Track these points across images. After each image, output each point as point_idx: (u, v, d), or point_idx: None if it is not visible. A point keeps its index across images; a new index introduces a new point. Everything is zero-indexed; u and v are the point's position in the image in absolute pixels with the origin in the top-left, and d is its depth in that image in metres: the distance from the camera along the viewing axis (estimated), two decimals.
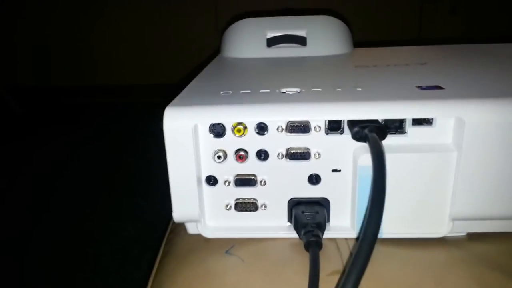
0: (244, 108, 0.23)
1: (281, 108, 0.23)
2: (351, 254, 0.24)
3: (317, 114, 0.23)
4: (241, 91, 0.26)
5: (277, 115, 0.23)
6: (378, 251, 0.24)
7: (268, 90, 0.26)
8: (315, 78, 0.30)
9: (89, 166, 1.32)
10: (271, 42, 0.41)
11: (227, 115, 0.23)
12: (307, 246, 0.22)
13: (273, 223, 0.25)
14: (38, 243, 0.87)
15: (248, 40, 0.42)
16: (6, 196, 1.07)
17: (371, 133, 0.21)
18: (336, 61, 0.37)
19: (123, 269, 0.77)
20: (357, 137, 0.22)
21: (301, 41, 0.41)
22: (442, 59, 0.36)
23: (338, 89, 0.26)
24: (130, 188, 1.08)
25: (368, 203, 0.20)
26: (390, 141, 0.23)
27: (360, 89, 0.26)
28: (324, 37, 0.41)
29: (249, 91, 0.26)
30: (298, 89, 0.26)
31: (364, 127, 0.22)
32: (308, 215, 0.24)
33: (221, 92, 0.26)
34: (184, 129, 0.23)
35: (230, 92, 0.26)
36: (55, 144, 1.52)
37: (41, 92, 1.78)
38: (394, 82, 0.27)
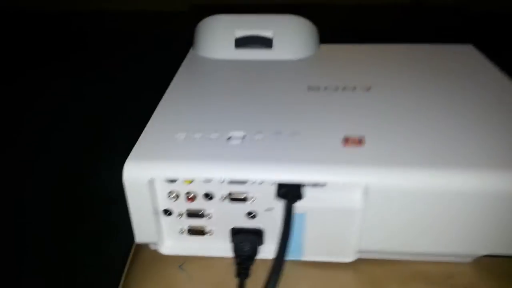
0: (191, 166, 0.28)
1: (221, 168, 0.28)
2: None
3: (252, 175, 0.27)
4: (194, 135, 0.30)
5: (218, 173, 0.28)
6: (296, 271, 0.30)
7: (217, 135, 0.30)
8: (262, 112, 0.34)
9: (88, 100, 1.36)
10: (239, 43, 0.44)
11: (176, 172, 0.28)
12: (237, 275, 0.29)
13: (218, 245, 0.31)
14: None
15: (216, 41, 0.44)
16: None
17: (287, 197, 0.26)
18: (293, 77, 0.40)
19: None
20: (279, 196, 0.27)
21: (267, 43, 0.43)
22: (390, 80, 0.39)
23: (277, 136, 0.30)
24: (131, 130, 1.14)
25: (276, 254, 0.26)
26: (310, 193, 0.28)
27: (297, 136, 0.30)
28: (289, 39, 0.44)
29: (200, 134, 0.31)
30: (243, 134, 0.30)
31: (286, 191, 0.27)
32: (244, 245, 0.30)
33: (176, 135, 0.30)
34: (141, 180, 0.28)
35: (184, 135, 0.30)
36: (54, 73, 1.55)
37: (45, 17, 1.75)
38: (327, 129, 0.31)
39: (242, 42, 0.44)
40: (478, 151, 0.28)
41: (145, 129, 0.32)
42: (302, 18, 0.45)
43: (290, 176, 0.27)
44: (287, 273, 0.29)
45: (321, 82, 0.38)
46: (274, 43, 0.43)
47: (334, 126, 0.31)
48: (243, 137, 0.30)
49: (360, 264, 0.31)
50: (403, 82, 0.38)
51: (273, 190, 0.28)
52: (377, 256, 0.31)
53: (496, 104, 0.34)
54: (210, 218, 0.30)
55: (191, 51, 0.46)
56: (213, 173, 0.28)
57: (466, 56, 0.43)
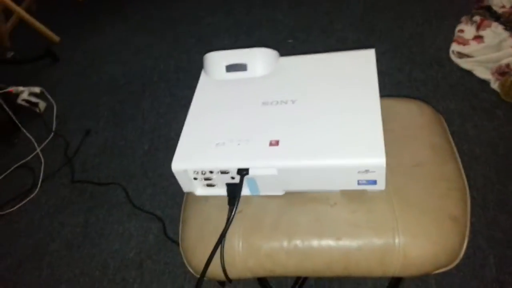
0: (200, 164, 0.60)
1: (214, 165, 0.59)
2: None
3: (228, 166, 0.59)
4: (202, 144, 0.61)
5: (213, 167, 0.59)
6: (259, 198, 0.63)
7: (212, 143, 0.61)
8: (234, 125, 0.63)
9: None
10: (228, 69, 0.71)
11: (195, 166, 0.60)
12: (228, 203, 0.62)
13: (220, 190, 0.64)
14: None
15: (215, 68, 0.72)
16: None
17: (241, 174, 0.58)
18: (255, 94, 0.67)
19: None
20: (237, 174, 0.59)
21: (244, 67, 0.70)
22: (308, 92, 0.65)
23: (239, 142, 0.60)
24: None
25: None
26: (255, 170, 0.59)
27: (249, 142, 0.60)
28: (255, 63, 0.70)
29: (205, 143, 0.61)
30: (223, 142, 0.61)
31: (240, 171, 0.58)
32: (231, 190, 0.62)
33: (194, 144, 0.62)
34: (180, 170, 0.60)
35: (205, 144, 0.61)
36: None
37: None
38: (264, 136, 0.60)
39: (229, 68, 0.71)
40: (333, 146, 0.57)
41: (180, 140, 0.63)
42: (263, 48, 0.70)
43: (242, 165, 0.58)
44: (257, 199, 0.62)
45: (270, 98, 0.66)
46: (248, 67, 0.70)
47: (268, 133, 0.60)
48: (224, 144, 0.61)
49: (286, 194, 0.62)
50: (316, 93, 0.65)
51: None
52: (294, 190, 0.62)
53: (356, 110, 0.60)
54: (214, 180, 0.63)
55: (203, 72, 0.74)
56: (211, 167, 0.59)
57: (361, 62, 0.67)
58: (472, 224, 0.61)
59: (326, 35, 1.64)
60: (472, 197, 0.62)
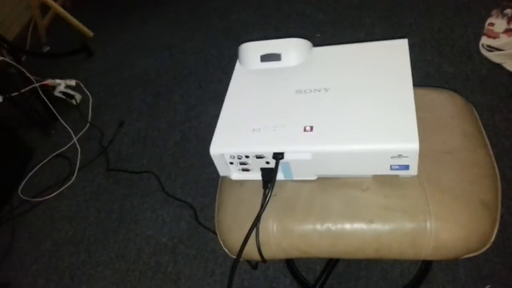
0: (236, 149, 0.62)
1: (250, 149, 0.61)
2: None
3: (263, 151, 0.61)
4: (238, 129, 0.63)
5: (249, 151, 0.61)
6: (293, 182, 0.64)
7: (247, 129, 0.63)
8: (269, 112, 0.65)
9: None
10: (263, 59, 0.73)
11: (231, 151, 0.62)
12: (263, 187, 0.64)
13: (255, 175, 0.66)
14: None
15: (250, 58, 0.73)
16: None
17: (276, 158, 0.60)
18: (288, 83, 0.69)
19: None
20: (273, 158, 0.61)
21: (278, 57, 0.72)
22: (341, 81, 0.66)
23: (274, 128, 0.62)
24: None
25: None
26: (290, 155, 0.60)
27: (284, 127, 0.61)
28: (289, 53, 0.72)
29: (242, 129, 0.63)
30: (259, 127, 0.63)
31: (275, 155, 0.60)
32: (266, 174, 0.64)
33: (231, 130, 0.64)
34: (218, 154, 0.63)
35: (241, 130, 0.63)
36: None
37: None
38: (297, 122, 0.62)
39: (264, 58, 0.73)
40: (367, 131, 0.58)
41: (217, 125, 0.65)
42: (296, 38, 0.72)
43: (277, 149, 0.60)
44: (290, 184, 0.64)
45: (303, 86, 0.67)
46: (282, 57, 0.72)
47: (302, 119, 0.62)
48: (259, 129, 0.63)
49: (319, 179, 0.64)
50: (349, 81, 0.66)
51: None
52: (326, 175, 0.64)
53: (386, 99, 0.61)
54: (250, 164, 0.65)
55: (237, 63, 0.76)
56: (247, 151, 0.62)
57: (394, 52, 0.68)
58: (501, 215, 0.61)
59: (354, 29, 1.64)
60: (502, 189, 0.62)
